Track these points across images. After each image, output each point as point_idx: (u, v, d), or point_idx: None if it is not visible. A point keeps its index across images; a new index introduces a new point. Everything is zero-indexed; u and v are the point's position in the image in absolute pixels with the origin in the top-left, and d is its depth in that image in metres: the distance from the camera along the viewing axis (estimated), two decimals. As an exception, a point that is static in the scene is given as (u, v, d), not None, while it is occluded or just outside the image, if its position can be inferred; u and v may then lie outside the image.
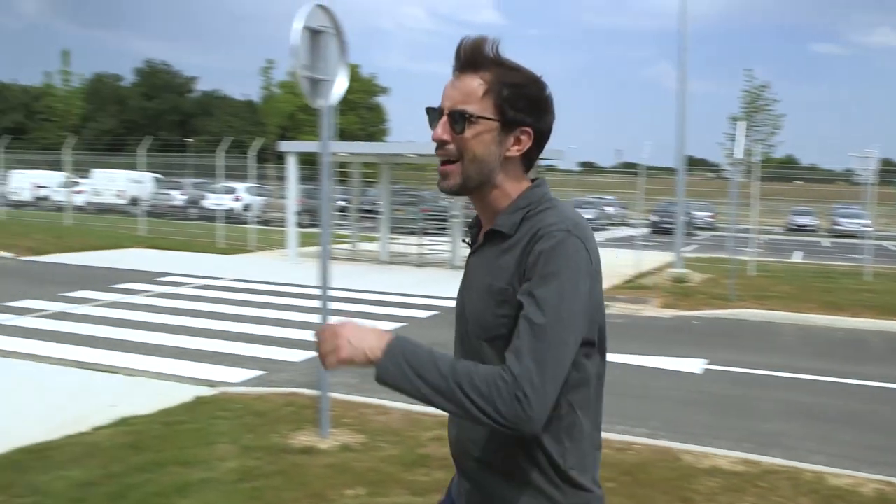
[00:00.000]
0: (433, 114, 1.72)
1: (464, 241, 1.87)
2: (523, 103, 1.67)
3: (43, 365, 7.88)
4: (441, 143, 1.69)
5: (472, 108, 1.65)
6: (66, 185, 29.57)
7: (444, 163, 1.70)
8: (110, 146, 48.78)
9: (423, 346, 1.59)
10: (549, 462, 1.66)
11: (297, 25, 5.18)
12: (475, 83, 1.66)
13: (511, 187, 1.72)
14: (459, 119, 1.66)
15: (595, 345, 1.68)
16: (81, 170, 32.62)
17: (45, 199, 33.05)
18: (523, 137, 1.69)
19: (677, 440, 6.11)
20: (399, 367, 1.55)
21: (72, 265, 16.17)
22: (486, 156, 1.67)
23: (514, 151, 1.69)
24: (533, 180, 1.75)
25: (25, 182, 33.95)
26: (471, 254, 1.79)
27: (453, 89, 1.68)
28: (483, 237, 1.74)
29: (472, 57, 1.67)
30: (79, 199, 30.32)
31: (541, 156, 1.81)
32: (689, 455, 5.69)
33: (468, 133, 1.66)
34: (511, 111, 1.66)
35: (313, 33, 5.35)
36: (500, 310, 1.63)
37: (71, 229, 22.96)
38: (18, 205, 30.52)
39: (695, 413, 7.34)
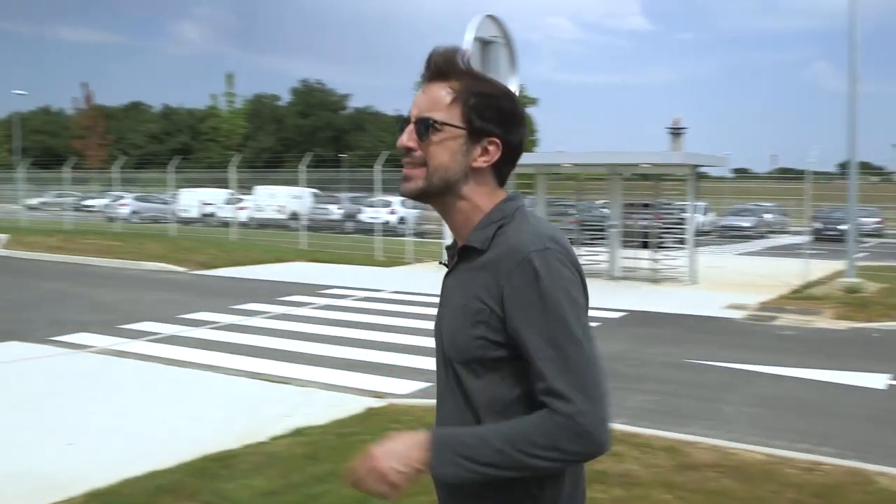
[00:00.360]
0: (402, 123, 1.71)
1: (441, 262, 1.84)
2: (491, 113, 1.66)
3: (218, 375, 8.27)
4: (407, 151, 1.68)
5: (438, 116, 1.65)
6: (230, 201, 31.07)
7: (407, 168, 1.70)
8: (269, 163, 51.05)
9: (463, 430, 1.60)
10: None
11: (469, 36, 5.22)
12: (443, 91, 1.66)
13: (481, 200, 1.69)
14: (425, 126, 1.65)
15: None
16: (244, 187, 34.17)
17: (211, 215, 34.81)
18: (491, 148, 1.67)
19: (869, 461, 5.71)
20: (455, 464, 1.54)
21: (240, 279, 16.96)
22: (450, 164, 1.66)
23: (482, 162, 1.67)
24: (508, 194, 1.73)
25: (193, 200, 35.88)
26: (446, 274, 1.75)
27: (422, 97, 1.68)
28: (457, 255, 1.70)
29: (443, 66, 1.67)
30: (242, 215, 31.76)
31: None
32: (884, 478, 5.30)
33: (433, 140, 1.65)
34: (478, 120, 1.65)
35: (483, 44, 5.36)
36: (475, 330, 1.60)
37: (237, 244, 24.09)
38: (187, 221, 32.23)
39: (881, 431, 6.85)
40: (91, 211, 38.67)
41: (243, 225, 30.37)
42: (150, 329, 10.91)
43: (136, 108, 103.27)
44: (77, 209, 36.69)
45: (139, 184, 39.19)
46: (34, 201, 38.16)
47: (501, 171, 1.71)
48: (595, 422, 1.50)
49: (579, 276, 1.62)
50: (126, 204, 35.99)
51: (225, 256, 20.22)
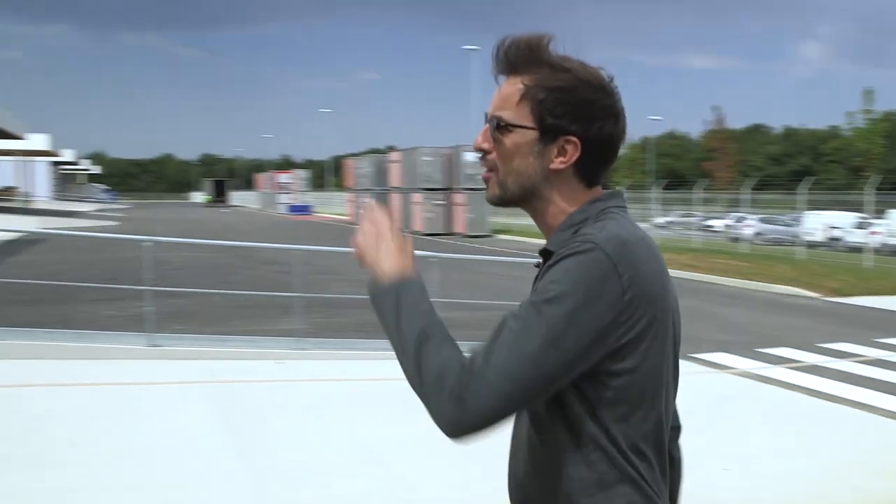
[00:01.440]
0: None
1: (535, 265, 1.56)
2: (565, 108, 1.45)
3: (864, 413, 7.52)
4: (482, 153, 1.53)
5: (506, 115, 1.48)
6: (860, 225, 28.94)
7: (484, 170, 1.55)
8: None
9: (427, 303, 1.43)
10: None
11: None
12: (513, 87, 1.48)
13: (567, 202, 1.51)
14: (494, 127, 1.50)
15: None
16: (878, 210, 31.62)
17: (837, 239, 32.95)
18: (569, 147, 1.47)
19: None
20: (384, 301, 1.44)
21: (882, 309, 15.50)
22: (522, 167, 1.49)
23: (559, 163, 1.48)
24: (610, 191, 1.53)
25: (818, 223, 34.39)
26: (536, 277, 1.51)
27: (495, 94, 1.52)
28: (542, 257, 1.50)
29: (513, 58, 1.48)
30: (875, 241, 29.38)
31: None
32: None
33: (504, 142, 1.49)
34: (550, 118, 1.46)
35: None
36: None
37: (872, 271, 22.25)
38: (813, 245, 31.01)
39: None
40: (713, 231, 39.66)
41: (876, 251, 28.01)
42: (790, 356, 10.48)
43: (757, 131, 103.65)
44: (700, 229, 37.93)
45: (761, 205, 38.94)
46: (662, 220, 40.54)
47: (589, 170, 1.50)
48: (479, 402, 1.30)
49: (622, 291, 1.34)
50: (750, 225, 36.04)
51: (861, 284, 18.75)
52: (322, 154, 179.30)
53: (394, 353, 1.42)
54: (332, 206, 69.19)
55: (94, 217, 49.60)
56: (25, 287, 12.81)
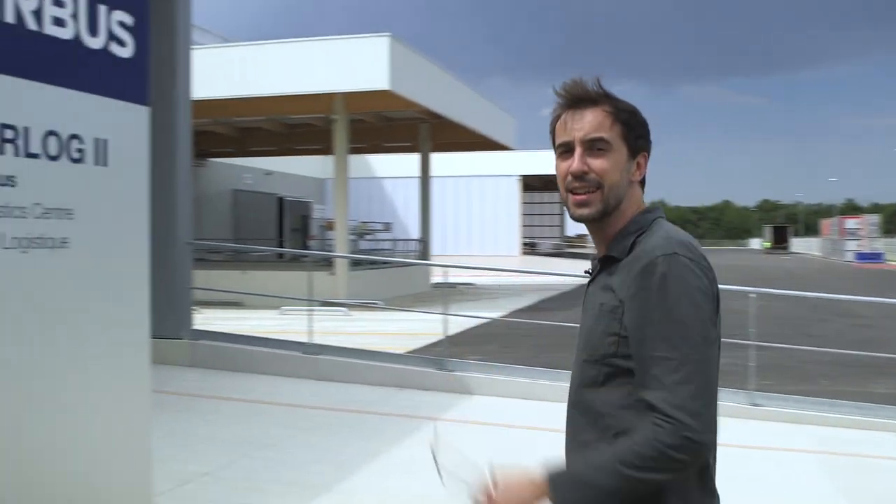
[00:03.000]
0: (562, 148, 1.79)
1: (586, 271, 1.90)
2: (641, 129, 1.79)
3: None
4: (581, 176, 1.75)
5: (608, 136, 1.74)
6: None
7: (580, 192, 1.76)
8: None
9: (574, 462, 1.72)
10: None
11: None
12: (600, 115, 1.75)
13: (629, 211, 1.79)
14: (598, 148, 1.74)
15: None
16: None
17: None
18: (642, 161, 1.81)
19: None
20: (573, 490, 1.62)
21: None
22: (620, 182, 1.76)
23: (637, 176, 1.81)
24: (647, 206, 1.81)
25: None
26: (588, 283, 1.85)
27: (580, 121, 1.75)
28: (599, 263, 1.81)
29: (587, 92, 1.76)
30: None
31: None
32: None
33: (608, 161, 1.75)
34: (633, 138, 1.77)
35: None
36: (611, 327, 1.69)
37: None
38: None
39: None
40: None
41: None
42: None
43: None
44: None
45: None
46: None
47: (645, 178, 1.83)
48: (701, 423, 1.55)
49: (709, 283, 1.68)
50: None
51: None
52: (892, 197, 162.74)
53: None
54: (907, 254, 61.73)
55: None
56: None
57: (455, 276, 26.38)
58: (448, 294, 21.92)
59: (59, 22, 3.18)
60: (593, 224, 1.80)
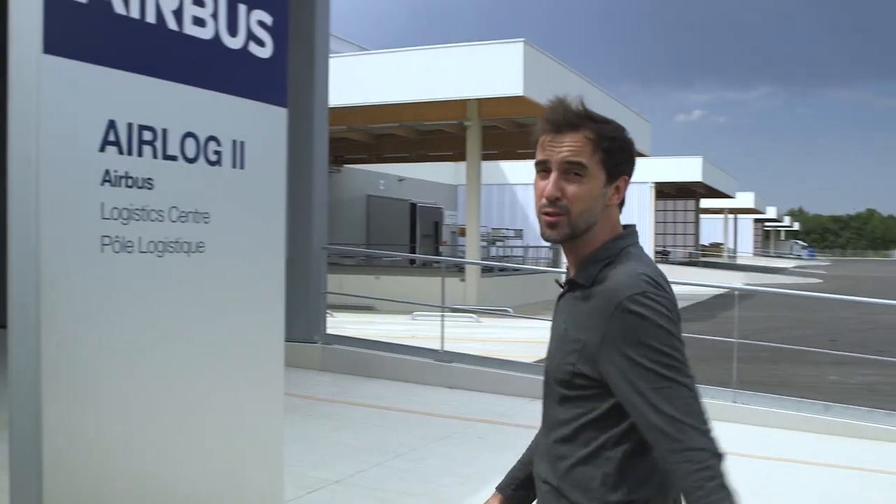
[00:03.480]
0: (541, 166, 1.80)
1: (556, 281, 1.98)
2: (623, 155, 1.80)
3: None
4: (553, 200, 1.77)
5: (585, 162, 1.75)
6: None
7: (551, 215, 1.78)
8: None
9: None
10: None
11: None
12: (581, 140, 1.76)
13: (604, 234, 1.81)
14: (574, 173, 1.76)
15: None
16: None
17: None
18: (621, 185, 1.81)
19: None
20: None
21: None
22: (593, 208, 1.78)
23: (615, 200, 1.82)
24: (625, 227, 1.85)
25: None
26: (560, 296, 1.89)
27: (559, 145, 1.77)
28: (568, 284, 1.86)
29: (571, 116, 1.77)
30: None
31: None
32: None
33: (582, 188, 1.76)
34: (613, 163, 1.78)
35: None
36: (568, 357, 1.77)
37: None
38: None
39: None
40: None
41: None
42: None
43: None
44: None
45: None
46: None
47: (624, 201, 1.84)
48: (710, 443, 1.62)
49: (676, 315, 1.71)
50: None
51: None
52: None
53: None
54: None
55: (795, 273, 48.76)
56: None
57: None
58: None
59: (199, 22, 3.13)
60: (564, 245, 1.85)
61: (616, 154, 1.78)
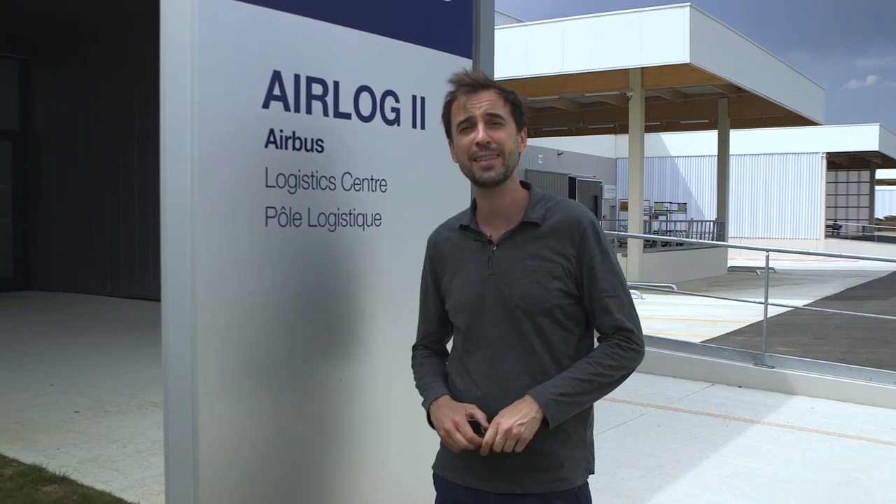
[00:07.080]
0: (465, 124, 2.10)
1: (471, 234, 2.18)
2: (521, 109, 2.15)
3: None
4: (485, 145, 2.07)
5: (502, 113, 2.10)
6: None
7: (484, 159, 2.07)
8: None
9: (552, 380, 2.04)
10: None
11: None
12: (493, 95, 2.10)
13: (515, 184, 2.16)
14: (496, 122, 2.08)
15: None
16: None
17: None
18: (524, 135, 2.18)
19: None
20: (557, 402, 2.00)
21: None
22: (514, 151, 2.12)
23: (522, 148, 2.16)
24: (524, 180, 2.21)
25: None
26: (492, 247, 2.12)
27: (478, 101, 2.08)
28: (515, 228, 2.12)
29: (482, 79, 2.12)
30: None
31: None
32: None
33: (505, 133, 2.09)
34: (518, 114, 2.14)
35: None
36: (552, 284, 2.06)
37: None
38: None
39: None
40: None
41: None
42: None
43: None
44: None
45: None
46: None
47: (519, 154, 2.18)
48: (641, 338, 2.10)
49: None
50: None
51: None
52: None
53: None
54: None
55: None
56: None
57: (752, 260, 24.50)
58: (747, 279, 20.49)
59: (372, -44, 2.65)
60: (493, 189, 2.11)
61: (519, 106, 2.15)
